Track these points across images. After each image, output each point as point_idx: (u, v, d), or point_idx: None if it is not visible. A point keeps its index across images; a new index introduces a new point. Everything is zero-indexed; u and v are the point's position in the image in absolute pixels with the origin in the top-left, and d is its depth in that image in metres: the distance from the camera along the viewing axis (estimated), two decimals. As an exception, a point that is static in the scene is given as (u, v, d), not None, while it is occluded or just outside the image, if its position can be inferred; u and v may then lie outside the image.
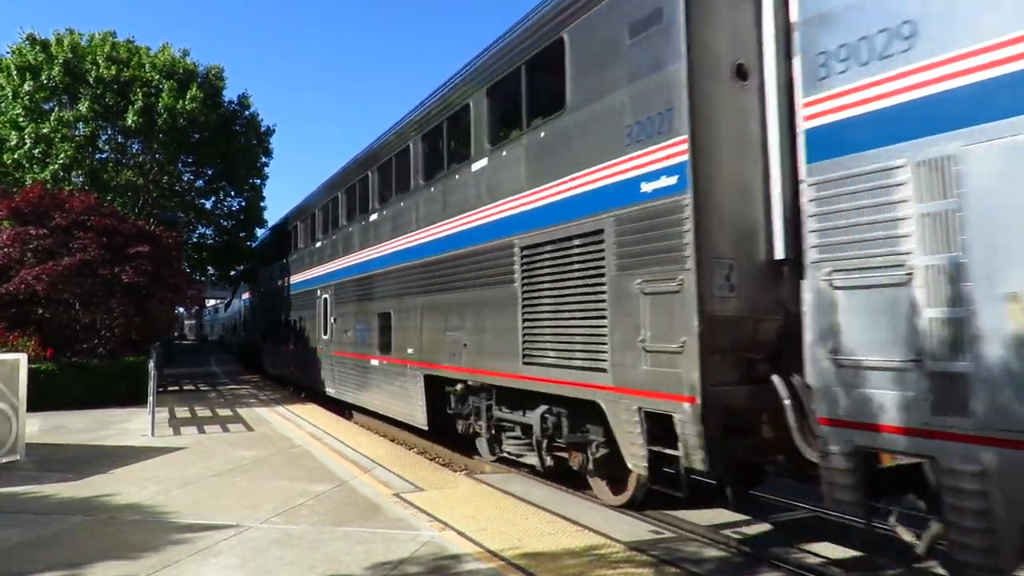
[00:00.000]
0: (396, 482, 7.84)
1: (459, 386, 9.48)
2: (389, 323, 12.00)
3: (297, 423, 12.72)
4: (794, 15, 5.17)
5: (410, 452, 10.62)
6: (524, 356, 7.65)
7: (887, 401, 4.29)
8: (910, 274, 4.20)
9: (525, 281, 7.73)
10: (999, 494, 3.76)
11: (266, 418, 13.38)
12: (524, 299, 7.72)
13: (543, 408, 7.56)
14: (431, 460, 10.12)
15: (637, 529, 6.10)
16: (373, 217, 12.99)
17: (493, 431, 8.82)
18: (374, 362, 12.75)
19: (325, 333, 16.11)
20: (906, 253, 4.22)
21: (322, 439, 10.90)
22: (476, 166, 9.00)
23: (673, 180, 5.66)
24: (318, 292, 16.76)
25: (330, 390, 15.95)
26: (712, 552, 5.49)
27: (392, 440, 12.06)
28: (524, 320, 7.70)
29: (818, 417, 4.74)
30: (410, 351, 10.98)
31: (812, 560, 5.63)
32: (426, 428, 10.58)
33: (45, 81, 20.34)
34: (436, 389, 10.21)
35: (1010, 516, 3.76)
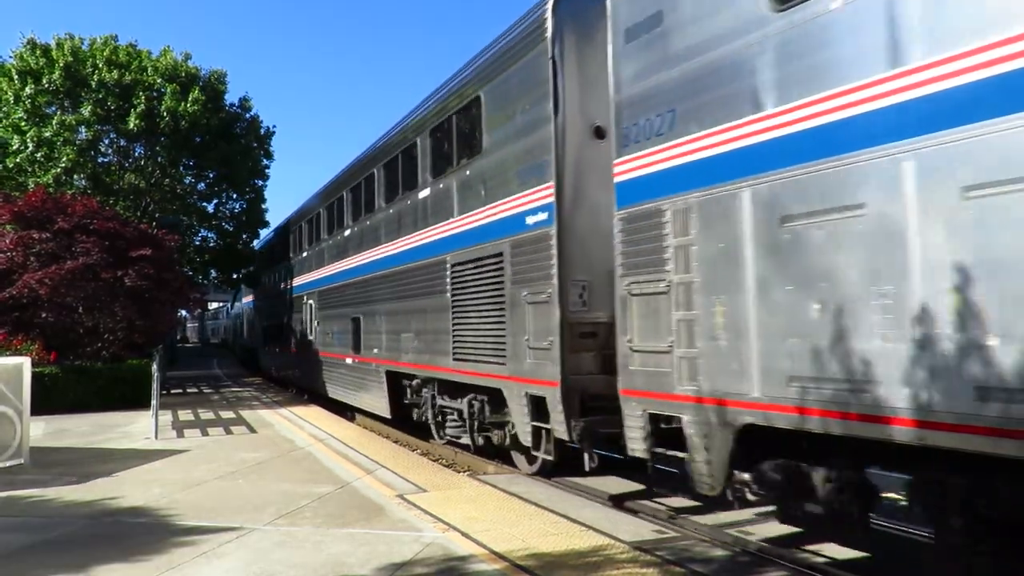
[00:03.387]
0: (399, 483, 7.83)
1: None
2: None
3: (300, 425, 12.72)
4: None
5: (412, 453, 10.60)
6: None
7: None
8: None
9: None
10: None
11: (269, 420, 13.38)
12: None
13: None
14: (434, 461, 10.10)
15: (641, 529, 6.08)
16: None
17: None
18: None
19: None
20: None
21: (324, 441, 10.90)
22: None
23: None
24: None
25: None
26: (717, 552, 5.46)
27: (395, 442, 12.05)
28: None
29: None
30: None
31: (817, 560, 5.61)
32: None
33: (46, 85, 20.39)
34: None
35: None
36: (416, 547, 5.44)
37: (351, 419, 14.74)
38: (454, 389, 9.73)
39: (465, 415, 9.35)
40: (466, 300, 9.00)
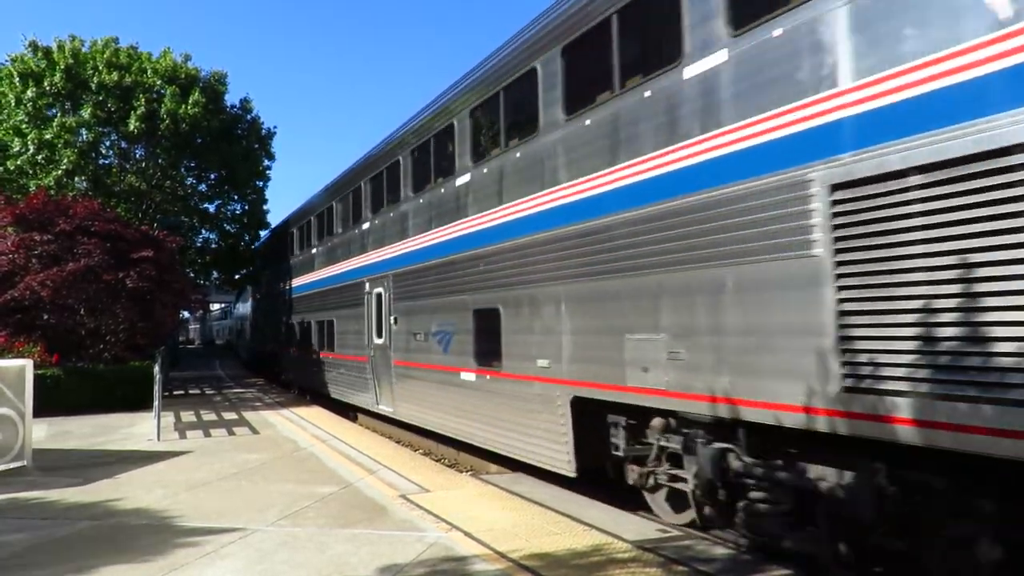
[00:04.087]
0: (401, 483, 7.83)
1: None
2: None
3: (302, 426, 12.72)
4: None
5: (415, 453, 10.61)
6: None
7: None
8: None
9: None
10: None
11: (271, 421, 13.38)
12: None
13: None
14: (436, 461, 10.11)
15: (645, 528, 6.07)
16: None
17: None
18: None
19: None
20: None
21: (327, 441, 10.90)
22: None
23: None
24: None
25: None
26: (720, 550, 5.46)
27: (397, 442, 12.05)
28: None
29: None
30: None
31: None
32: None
33: (47, 87, 20.44)
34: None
35: None
36: (419, 547, 5.44)
37: (353, 420, 14.75)
38: (778, 446, 5.28)
39: (866, 505, 4.60)
40: (914, 256, 4.09)
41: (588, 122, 7.05)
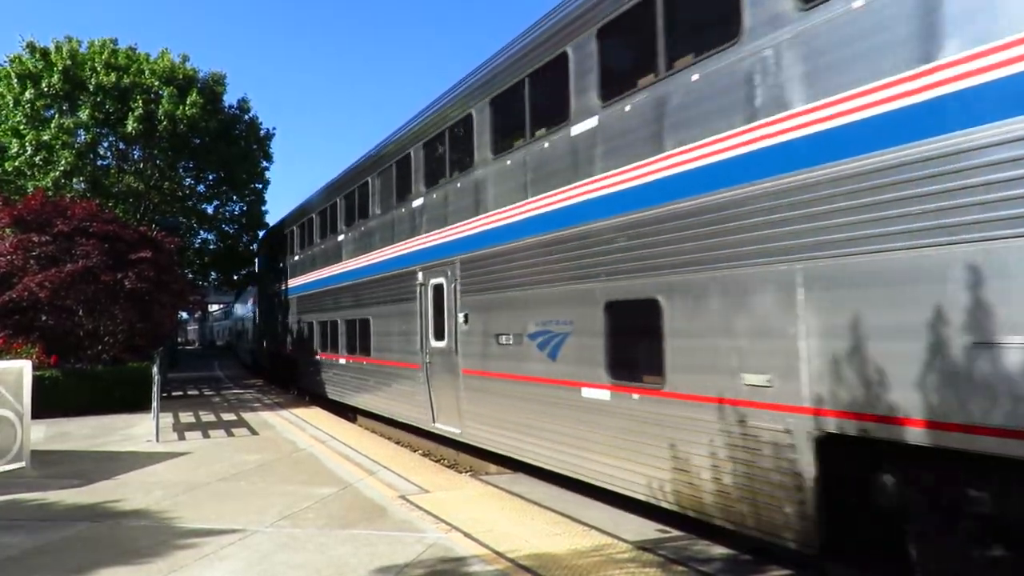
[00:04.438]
0: (401, 484, 7.83)
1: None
2: None
3: (301, 427, 12.71)
4: None
5: (414, 454, 10.61)
6: None
7: None
8: None
9: None
10: None
11: (270, 422, 13.37)
12: None
13: None
14: (436, 462, 10.11)
15: (644, 528, 6.08)
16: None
17: None
18: None
19: None
20: None
21: (326, 442, 10.89)
22: None
23: None
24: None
25: None
26: (719, 550, 5.47)
27: (397, 443, 12.05)
28: None
29: None
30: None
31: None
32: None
33: (45, 89, 20.46)
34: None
35: None
36: (419, 548, 5.44)
37: (353, 420, 14.75)
38: None
39: None
40: None
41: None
